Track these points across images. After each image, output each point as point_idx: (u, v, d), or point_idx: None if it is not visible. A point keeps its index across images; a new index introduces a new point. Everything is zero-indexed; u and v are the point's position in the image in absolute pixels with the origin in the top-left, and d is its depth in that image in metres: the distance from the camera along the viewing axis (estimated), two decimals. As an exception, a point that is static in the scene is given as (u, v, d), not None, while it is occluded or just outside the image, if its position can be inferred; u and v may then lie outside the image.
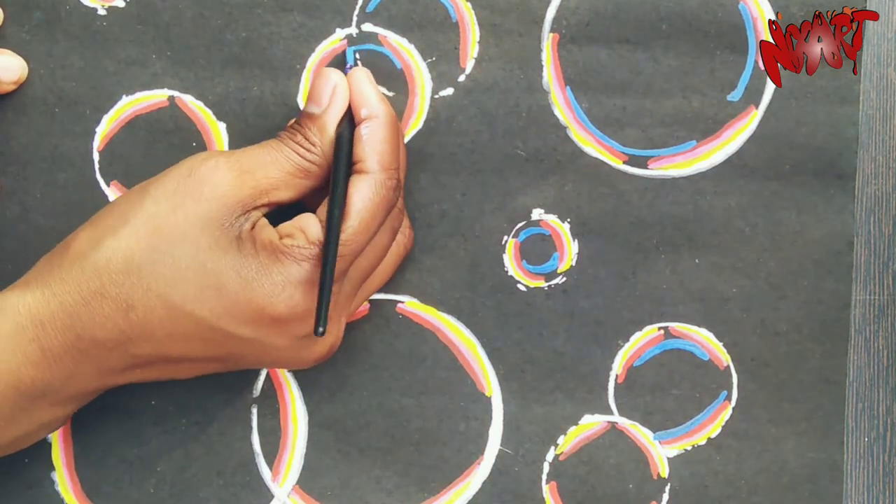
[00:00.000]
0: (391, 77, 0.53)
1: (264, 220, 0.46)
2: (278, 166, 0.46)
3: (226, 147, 0.53)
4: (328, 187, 0.46)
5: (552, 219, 0.53)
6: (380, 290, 0.53)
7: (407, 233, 0.51)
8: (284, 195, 0.46)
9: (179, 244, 0.44)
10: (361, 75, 0.49)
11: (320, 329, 0.42)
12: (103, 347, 0.44)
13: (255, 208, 0.46)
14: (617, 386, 0.53)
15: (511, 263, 0.53)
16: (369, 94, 0.48)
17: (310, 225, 0.45)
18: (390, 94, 0.53)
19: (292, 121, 0.49)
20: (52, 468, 0.53)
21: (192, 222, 0.44)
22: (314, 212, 0.47)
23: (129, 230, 0.44)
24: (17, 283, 0.46)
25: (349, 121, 0.48)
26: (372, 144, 0.47)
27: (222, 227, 0.45)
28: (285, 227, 0.46)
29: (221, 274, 0.44)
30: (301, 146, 0.47)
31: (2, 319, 0.44)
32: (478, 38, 0.53)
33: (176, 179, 0.45)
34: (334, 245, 0.44)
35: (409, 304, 0.53)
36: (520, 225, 0.53)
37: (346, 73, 0.50)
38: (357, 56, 0.52)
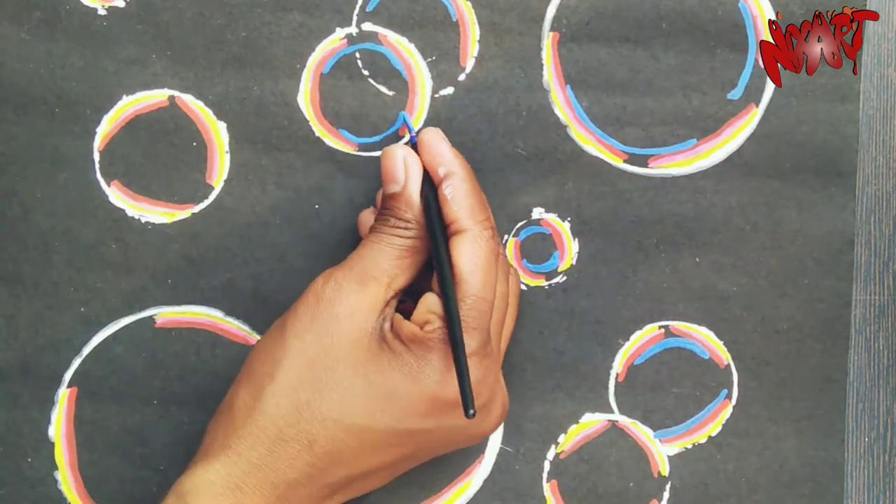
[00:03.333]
0: (391, 76, 0.53)
1: (399, 316, 0.46)
2: (387, 256, 0.47)
3: (226, 147, 0.53)
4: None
5: (552, 218, 0.53)
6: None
7: (512, 270, 0.52)
8: (403, 281, 0.47)
9: (336, 368, 0.45)
10: (434, 135, 0.49)
11: (471, 411, 0.42)
12: (299, 486, 0.45)
13: (387, 305, 0.46)
14: (617, 384, 0.54)
15: (511, 262, 0.53)
16: (444, 152, 0.48)
17: (436, 305, 0.46)
18: (390, 93, 0.53)
19: (371, 213, 0.50)
20: (54, 467, 0.53)
21: (340, 343, 0.45)
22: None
23: (285, 371, 0.45)
24: (196, 459, 0.45)
25: (428, 183, 0.48)
26: (459, 201, 0.47)
27: (368, 337, 0.45)
28: (417, 315, 0.46)
29: (387, 380, 0.44)
30: (397, 227, 0.47)
31: (199, 497, 0.43)
32: (478, 37, 0.53)
33: (308, 310, 0.46)
34: (454, 315, 0.44)
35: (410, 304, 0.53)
36: (520, 224, 0.53)
37: (412, 140, 0.50)
38: (407, 117, 0.52)
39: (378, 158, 0.53)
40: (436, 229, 0.46)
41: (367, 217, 0.51)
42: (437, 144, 0.48)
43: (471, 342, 0.45)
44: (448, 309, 0.44)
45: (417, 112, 0.53)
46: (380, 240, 0.47)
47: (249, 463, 0.44)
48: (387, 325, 0.46)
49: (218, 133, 0.53)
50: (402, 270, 0.47)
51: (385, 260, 0.46)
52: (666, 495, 0.53)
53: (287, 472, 0.44)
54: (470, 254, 0.46)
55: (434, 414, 0.45)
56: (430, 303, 0.46)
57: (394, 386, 0.44)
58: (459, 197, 0.47)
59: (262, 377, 0.45)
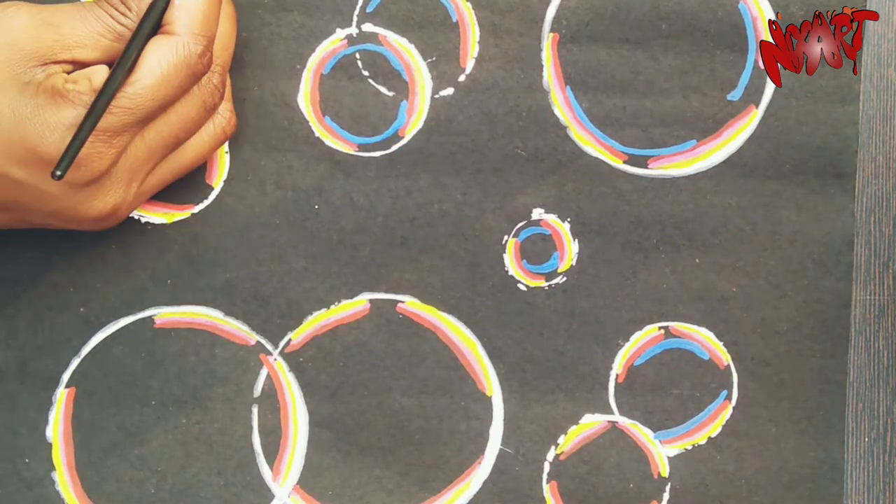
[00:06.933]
0: (391, 77, 0.53)
1: (59, 70, 0.45)
2: (87, 25, 0.45)
3: (226, 147, 0.53)
4: None
5: (552, 218, 0.53)
6: (379, 290, 0.53)
7: (227, 116, 0.50)
8: (89, 55, 0.45)
9: None
10: None
11: (58, 172, 0.41)
12: None
13: (55, 62, 0.45)
14: (617, 385, 0.53)
15: (511, 263, 0.53)
16: None
17: (97, 73, 0.44)
18: (390, 94, 0.53)
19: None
20: (52, 468, 0.53)
21: None
22: None
23: None
24: None
25: None
26: (185, 8, 0.45)
27: (12, 72, 0.44)
28: (75, 74, 0.44)
29: (1, 114, 0.43)
30: (116, 9, 0.45)
31: None
32: (478, 38, 0.53)
33: None
34: (108, 92, 0.43)
35: (410, 304, 0.53)
36: (520, 224, 0.53)
37: None
38: None
39: (378, 159, 0.53)
40: (146, 21, 0.45)
41: None
42: None
43: (112, 119, 0.43)
44: (108, 83, 0.43)
45: (417, 112, 0.53)
46: (91, 8, 0.45)
47: None
48: (41, 76, 0.44)
49: (218, 133, 0.53)
50: (92, 46, 0.45)
51: (82, 26, 0.45)
52: (666, 496, 0.53)
53: None
54: (160, 53, 0.44)
55: (27, 166, 0.44)
56: (93, 70, 0.44)
57: (3, 121, 0.43)
58: (188, 5, 0.45)
59: None
